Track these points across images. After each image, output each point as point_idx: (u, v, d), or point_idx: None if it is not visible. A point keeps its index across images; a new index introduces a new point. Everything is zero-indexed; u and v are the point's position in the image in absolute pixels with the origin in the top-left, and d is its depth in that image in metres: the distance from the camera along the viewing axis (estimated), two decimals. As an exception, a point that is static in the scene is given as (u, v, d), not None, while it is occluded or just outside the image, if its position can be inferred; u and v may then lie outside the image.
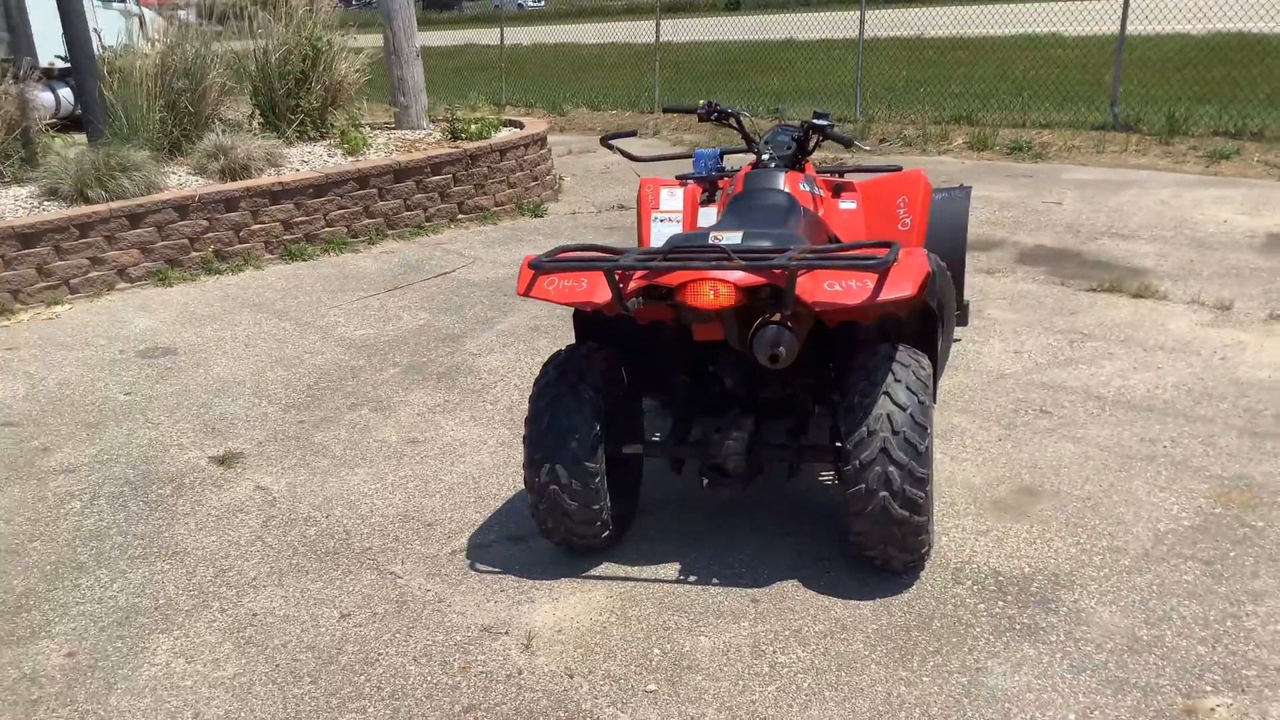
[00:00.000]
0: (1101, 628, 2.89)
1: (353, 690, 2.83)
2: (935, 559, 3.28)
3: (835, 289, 2.84)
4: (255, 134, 8.50)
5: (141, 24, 16.15)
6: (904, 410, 2.96)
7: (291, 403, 4.94)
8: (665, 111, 4.60)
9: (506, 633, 3.04)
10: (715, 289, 2.93)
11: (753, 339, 2.97)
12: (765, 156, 3.97)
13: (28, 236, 6.68)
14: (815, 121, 3.92)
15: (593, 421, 3.18)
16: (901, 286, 2.81)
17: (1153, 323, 5.23)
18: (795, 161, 4.01)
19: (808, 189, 3.84)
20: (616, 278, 2.97)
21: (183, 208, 7.25)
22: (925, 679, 2.74)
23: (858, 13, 12.53)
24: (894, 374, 3.02)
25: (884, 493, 2.94)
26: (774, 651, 2.88)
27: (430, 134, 9.40)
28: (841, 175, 4.32)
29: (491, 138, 9.02)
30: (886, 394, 2.99)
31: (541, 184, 9.26)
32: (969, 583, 3.14)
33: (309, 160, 8.39)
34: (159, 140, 8.15)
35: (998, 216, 7.56)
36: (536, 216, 8.74)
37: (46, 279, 6.79)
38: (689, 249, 2.97)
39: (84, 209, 6.94)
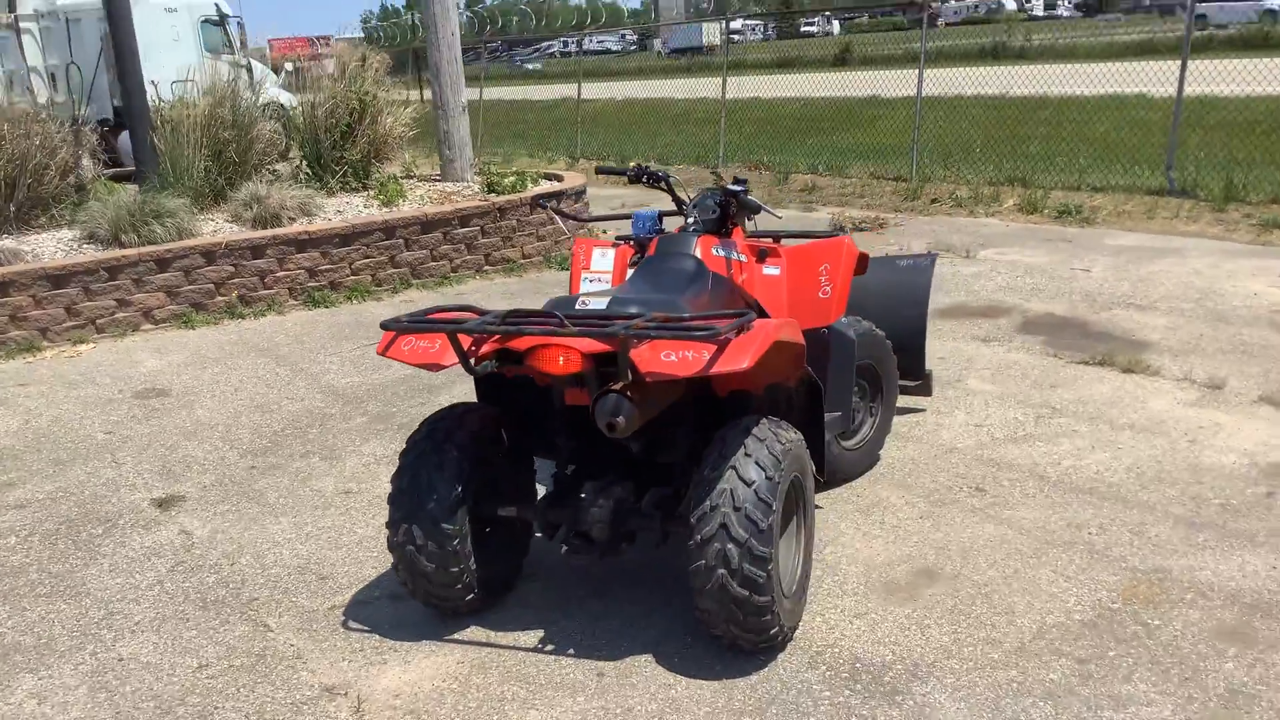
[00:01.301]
0: (942, 727, 2.73)
1: (175, 742, 2.85)
2: (799, 641, 3.15)
3: (671, 359, 2.78)
4: (295, 184, 8.81)
5: (250, 75, 16.95)
6: (749, 486, 2.87)
7: (251, 448, 5.05)
8: (598, 173, 4.61)
9: (345, 694, 3.03)
10: (564, 355, 2.91)
11: (594, 407, 2.93)
12: (689, 220, 3.95)
13: (58, 278, 7.03)
14: (730, 188, 3.87)
15: (454, 483, 3.17)
16: (737, 360, 2.74)
17: (1132, 399, 4.97)
18: (720, 226, 3.96)
19: (722, 254, 3.78)
20: (465, 341, 2.98)
21: (210, 254, 7.54)
22: (738, 770, 2.62)
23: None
24: (746, 448, 2.94)
25: (722, 570, 2.85)
26: (596, 730, 2.81)
27: (469, 186, 9.59)
28: (778, 240, 4.26)
29: (525, 191, 9.15)
30: (734, 469, 2.91)
31: (573, 237, 9.33)
32: (823, 668, 3.01)
33: (344, 210, 8.64)
34: (202, 188, 8.50)
35: (1018, 283, 7.33)
36: (563, 269, 8.80)
37: (74, 319, 7.12)
38: (526, 314, 2.96)
39: (114, 253, 7.29)
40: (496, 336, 2.99)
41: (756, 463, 2.91)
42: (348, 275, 8.08)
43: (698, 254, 3.68)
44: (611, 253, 4.20)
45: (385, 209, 8.67)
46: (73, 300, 7.09)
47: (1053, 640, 3.07)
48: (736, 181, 3.91)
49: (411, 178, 10.21)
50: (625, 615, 3.36)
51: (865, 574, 3.53)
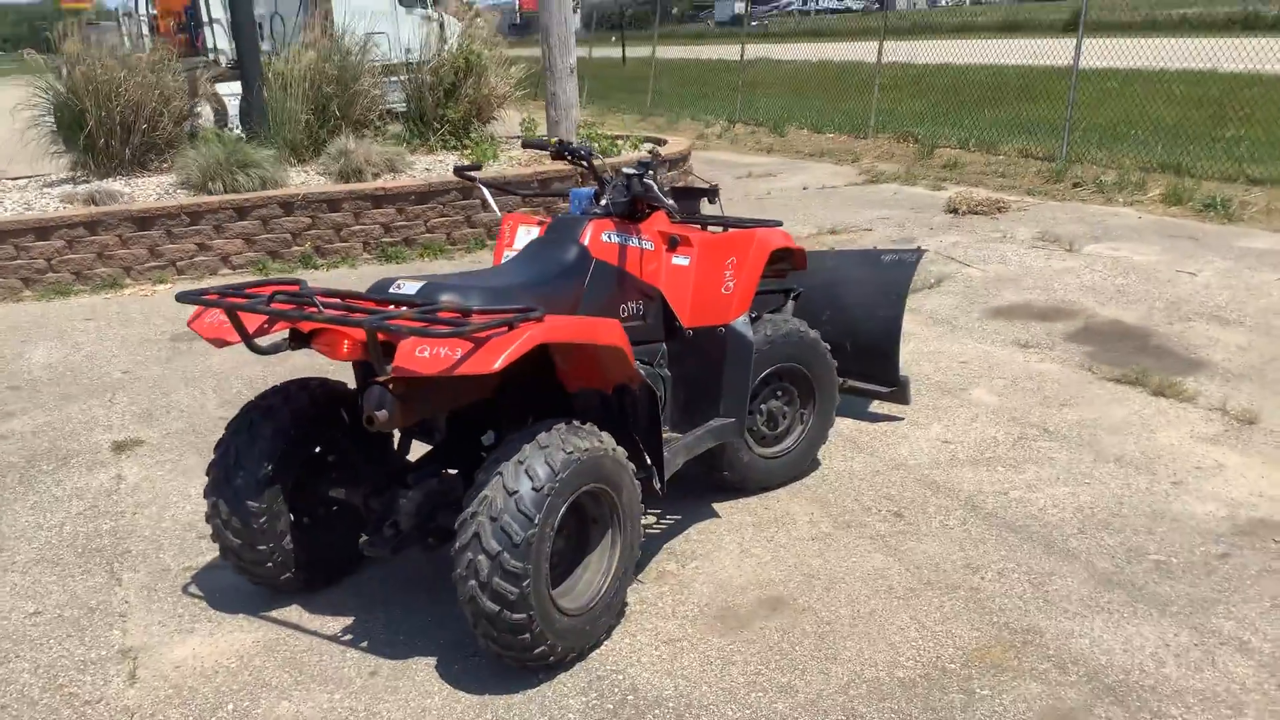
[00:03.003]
0: (668, 780, 2.49)
1: (-42, 687, 2.95)
2: (591, 661, 2.94)
3: (423, 356, 2.62)
4: (394, 140, 9.00)
5: (441, 29, 17.41)
6: (510, 496, 2.69)
7: (233, 399, 5.19)
8: (524, 146, 4.42)
9: (135, 659, 3.06)
10: (347, 341, 2.82)
11: (360, 398, 2.81)
12: (604, 201, 3.73)
13: (143, 220, 7.47)
14: (625, 170, 3.61)
15: (264, 460, 3.13)
16: (487, 361, 2.55)
17: (1142, 427, 4.39)
18: (632, 209, 3.72)
19: (616, 240, 3.56)
20: (255, 320, 2.92)
21: (287, 205, 7.81)
22: (435, 795, 2.47)
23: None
24: (521, 455, 2.75)
25: (473, 581, 2.69)
26: (328, 732, 2.71)
27: (567, 149, 9.50)
28: (705, 227, 3.98)
29: (618, 156, 9.00)
30: (499, 475, 2.73)
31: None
32: (593, 695, 2.80)
33: (432, 168, 8.76)
34: (301, 141, 8.81)
35: (1104, 283, 6.62)
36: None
37: (156, 259, 7.55)
38: (295, 296, 2.88)
39: (197, 199, 7.66)
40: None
41: (527, 472, 2.72)
42: (422, 232, 8.20)
43: (585, 240, 3.46)
44: (535, 231, 4.02)
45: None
46: (155, 242, 7.51)
47: (853, 698, 2.74)
48: (641, 163, 3.65)
49: (517, 137, 10.24)
50: (439, 614, 3.23)
51: (711, 596, 3.26)
